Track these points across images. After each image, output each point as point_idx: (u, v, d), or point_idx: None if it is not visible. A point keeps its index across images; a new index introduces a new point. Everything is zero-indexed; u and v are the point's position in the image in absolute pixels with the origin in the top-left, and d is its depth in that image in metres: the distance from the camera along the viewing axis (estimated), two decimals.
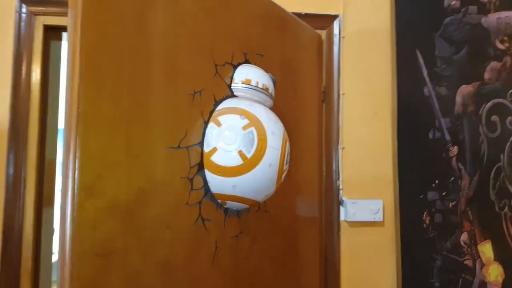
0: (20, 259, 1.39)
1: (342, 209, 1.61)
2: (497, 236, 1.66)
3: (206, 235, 1.01)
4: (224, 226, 1.06)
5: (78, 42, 0.69)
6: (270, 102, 1.13)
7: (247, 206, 1.09)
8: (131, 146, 0.83)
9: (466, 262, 1.63)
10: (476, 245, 1.64)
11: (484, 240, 1.65)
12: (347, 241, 1.61)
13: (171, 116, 0.91)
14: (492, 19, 1.73)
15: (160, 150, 0.89)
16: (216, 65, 1.01)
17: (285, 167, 1.08)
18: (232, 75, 1.07)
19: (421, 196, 1.63)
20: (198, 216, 0.98)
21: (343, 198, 1.61)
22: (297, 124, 1.40)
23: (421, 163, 1.64)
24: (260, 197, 1.07)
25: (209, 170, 0.99)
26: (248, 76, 1.07)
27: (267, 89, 1.10)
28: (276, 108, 1.15)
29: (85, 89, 0.71)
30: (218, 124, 0.99)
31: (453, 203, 1.64)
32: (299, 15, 1.48)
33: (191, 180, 0.96)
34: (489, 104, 1.70)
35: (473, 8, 1.72)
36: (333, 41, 1.63)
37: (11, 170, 1.41)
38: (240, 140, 0.97)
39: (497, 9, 1.74)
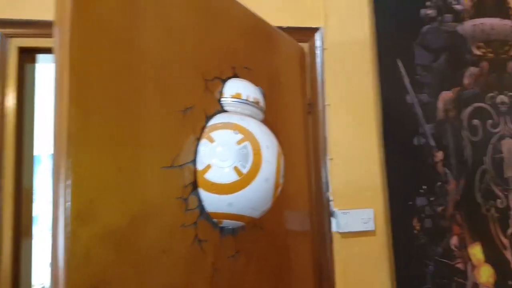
0: None
1: (333, 220, 1.59)
2: (485, 238, 1.68)
3: (203, 256, 0.96)
4: (221, 246, 1.02)
5: (67, 60, 0.65)
6: (261, 115, 1.11)
7: (243, 223, 1.06)
8: (123, 167, 0.79)
9: (457, 265, 1.64)
10: (466, 248, 1.66)
11: (474, 242, 1.66)
12: (340, 252, 1.59)
13: (163, 134, 0.87)
14: (468, 26, 1.78)
15: (153, 171, 0.85)
16: (205, 80, 0.98)
17: (281, 180, 1.05)
18: (222, 90, 1.04)
19: (410, 203, 1.64)
20: (195, 237, 0.94)
21: (334, 209, 1.59)
22: (285, 137, 1.38)
23: (408, 170, 1.66)
24: (256, 213, 1.04)
25: (203, 188, 0.95)
26: (238, 90, 1.05)
27: (257, 103, 1.08)
28: (265, 122, 1.13)
29: (75, 109, 0.67)
30: (211, 140, 0.96)
31: (442, 207, 1.65)
32: (281, 28, 1.48)
33: (185, 200, 0.92)
34: (470, 108, 1.74)
35: (448, 17, 1.78)
36: (315, 53, 1.64)
37: None
38: (234, 155, 0.94)
39: (471, 17, 1.79)
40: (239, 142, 0.95)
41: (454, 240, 1.65)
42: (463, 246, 1.65)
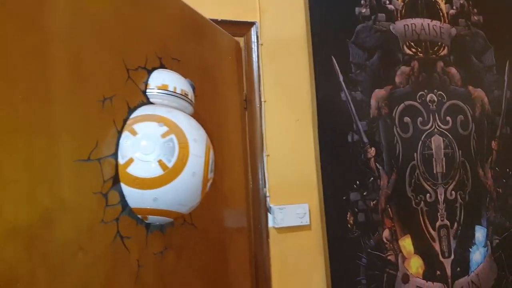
0: None
1: (270, 216, 1.60)
2: (415, 231, 1.76)
3: (126, 254, 0.92)
4: (146, 243, 0.98)
5: None
6: (190, 108, 1.08)
7: (171, 219, 1.02)
8: (32, 159, 0.73)
9: (389, 257, 1.70)
10: (397, 240, 1.72)
11: (404, 235, 1.73)
12: (277, 247, 1.60)
13: (78, 124, 0.82)
14: (400, 25, 1.86)
15: (67, 164, 0.79)
16: (128, 70, 0.94)
17: (210, 175, 1.03)
18: (147, 81, 1.00)
19: (344, 198, 1.68)
20: (116, 234, 0.89)
21: (271, 205, 1.60)
22: (219, 132, 1.36)
23: (342, 166, 1.69)
24: (184, 209, 1.01)
25: (125, 183, 0.90)
26: (165, 81, 1.01)
27: (186, 95, 1.05)
28: (197, 116, 1.10)
29: None
30: (134, 133, 0.91)
31: (374, 202, 1.71)
32: (215, 21, 1.46)
33: (105, 195, 0.87)
34: (401, 106, 1.81)
35: (382, 16, 1.83)
36: (251, 48, 1.63)
37: None
38: (159, 148, 0.90)
39: (403, 17, 1.86)
40: (164, 135, 0.92)
41: (386, 233, 1.71)
42: (394, 238, 1.72)
